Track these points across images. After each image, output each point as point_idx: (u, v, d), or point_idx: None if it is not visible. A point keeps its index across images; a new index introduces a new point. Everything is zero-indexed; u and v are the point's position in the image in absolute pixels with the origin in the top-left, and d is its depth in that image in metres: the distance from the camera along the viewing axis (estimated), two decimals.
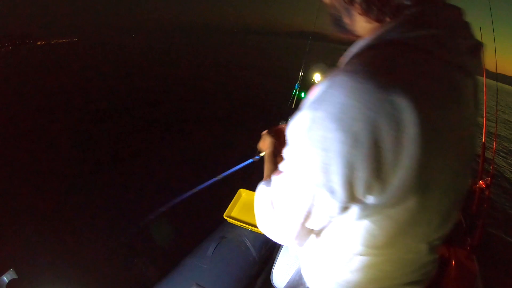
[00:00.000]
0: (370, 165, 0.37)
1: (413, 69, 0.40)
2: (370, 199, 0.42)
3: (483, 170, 1.61)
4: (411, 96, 0.36)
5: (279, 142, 0.90)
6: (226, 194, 1.56)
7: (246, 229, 1.48)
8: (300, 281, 0.77)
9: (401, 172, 0.39)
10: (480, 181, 1.50)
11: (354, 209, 0.45)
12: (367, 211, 0.44)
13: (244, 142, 1.43)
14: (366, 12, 0.46)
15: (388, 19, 0.45)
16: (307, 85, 1.76)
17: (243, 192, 1.61)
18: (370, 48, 0.45)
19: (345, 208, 0.44)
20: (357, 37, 0.53)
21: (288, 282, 0.82)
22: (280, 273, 0.86)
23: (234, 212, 1.57)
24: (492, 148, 1.80)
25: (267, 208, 0.55)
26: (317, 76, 1.88)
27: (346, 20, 0.52)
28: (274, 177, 0.53)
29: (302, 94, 1.71)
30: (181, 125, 6.69)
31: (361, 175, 0.38)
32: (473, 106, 0.49)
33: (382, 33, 0.45)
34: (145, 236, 2.32)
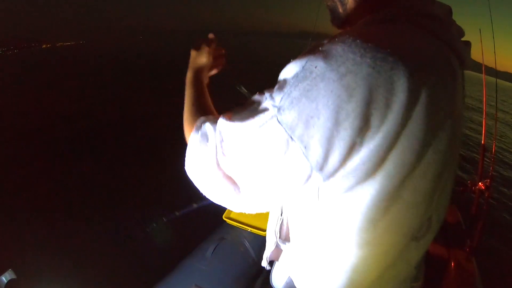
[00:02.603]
0: (355, 123, 0.35)
1: (414, 41, 0.40)
2: (343, 167, 0.38)
3: (482, 172, 1.61)
4: (409, 63, 0.36)
5: (203, 58, 0.75)
6: None
7: (245, 230, 1.48)
8: (291, 280, 0.76)
9: (381, 138, 0.36)
10: (480, 183, 1.50)
11: (325, 185, 0.40)
12: (341, 185, 0.40)
13: None
14: None
15: None
16: None
17: None
18: (370, 23, 0.45)
19: (311, 176, 0.39)
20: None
21: (285, 283, 0.82)
22: (280, 274, 0.85)
23: (233, 213, 1.57)
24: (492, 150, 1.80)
25: (213, 154, 0.45)
26: None
27: (340, 9, 0.53)
28: (229, 119, 0.45)
29: None
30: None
31: (343, 134, 0.35)
32: (463, 97, 0.49)
33: (378, 12, 0.45)
34: (144, 237, 2.31)
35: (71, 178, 4.05)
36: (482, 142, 1.69)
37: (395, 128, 0.36)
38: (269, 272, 0.90)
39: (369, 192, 0.40)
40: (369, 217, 0.43)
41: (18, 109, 8.22)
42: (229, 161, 0.44)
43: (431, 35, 0.43)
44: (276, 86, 0.41)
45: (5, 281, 0.98)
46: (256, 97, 0.44)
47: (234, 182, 0.45)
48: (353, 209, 0.42)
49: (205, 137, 0.48)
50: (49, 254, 2.45)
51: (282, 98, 0.38)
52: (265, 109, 0.40)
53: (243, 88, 0.89)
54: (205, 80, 0.73)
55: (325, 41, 0.39)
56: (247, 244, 1.45)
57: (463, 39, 0.50)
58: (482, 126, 1.76)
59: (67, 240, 2.66)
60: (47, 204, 3.34)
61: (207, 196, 0.50)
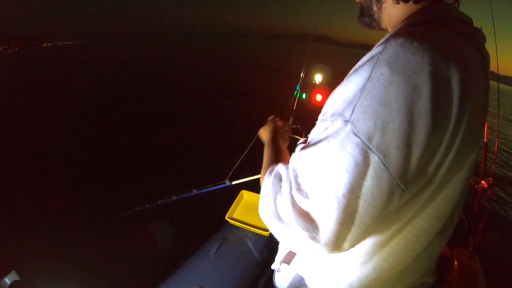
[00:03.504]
0: (428, 120, 0.36)
1: (456, 42, 0.43)
2: (421, 170, 0.39)
3: (485, 170, 1.61)
4: (458, 60, 0.38)
5: (280, 132, 0.80)
6: (228, 196, 1.57)
7: (248, 231, 1.48)
8: (301, 281, 0.76)
9: (448, 133, 0.39)
10: (482, 181, 1.50)
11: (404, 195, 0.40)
12: (414, 189, 0.41)
13: (248, 143, 1.44)
14: None
15: (412, 1, 0.49)
16: (308, 86, 1.76)
17: (245, 194, 1.62)
18: (409, 26, 0.46)
19: (396, 187, 0.38)
20: (382, 30, 0.56)
21: (289, 283, 0.82)
22: (283, 274, 0.85)
23: (236, 213, 1.57)
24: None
25: (287, 192, 0.43)
26: (318, 77, 1.88)
27: (375, 7, 0.55)
28: (300, 153, 0.44)
29: (304, 95, 1.71)
30: (186, 131, 6.65)
31: (419, 133, 0.36)
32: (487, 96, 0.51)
33: (416, 17, 0.48)
34: (147, 237, 2.32)
35: (73, 178, 4.06)
36: (485, 140, 1.68)
37: (456, 121, 0.38)
38: (272, 272, 0.90)
39: (428, 193, 0.43)
40: (416, 211, 0.45)
41: (18, 108, 8.22)
42: (306, 194, 0.41)
43: (464, 37, 0.45)
44: (339, 103, 0.41)
45: (9, 283, 0.98)
46: (319, 126, 0.44)
47: (311, 220, 0.40)
48: (410, 207, 0.44)
49: (278, 177, 0.47)
50: (52, 255, 2.45)
51: (353, 111, 0.38)
52: (336, 128, 0.40)
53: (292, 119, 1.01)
54: (284, 143, 0.77)
55: (378, 48, 0.41)
56: (250, 244, 1.45)
57: None
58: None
59: (71, 242, 2.67)
60: (50, 206, 3.35)
61: (285, 244, 0.47)
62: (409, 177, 0.38)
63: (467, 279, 1.29)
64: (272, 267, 0.84)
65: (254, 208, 1.55)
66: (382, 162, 0.36)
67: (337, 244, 0.40)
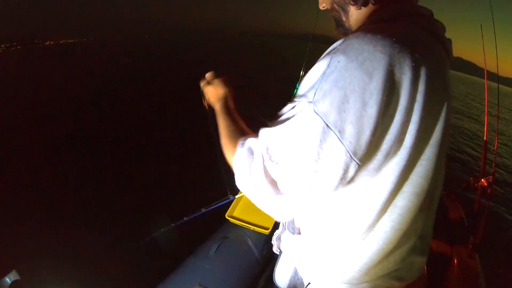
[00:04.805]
0: (378, 99, 0.41)
1: (412, 33, 0.50)
2: (373, 146, 0.44)
3: (485, 168, 1.61)
4: (411, 47, 0.44)
5: (232, 93, 0.78)
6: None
7: (248, 229, 1.48)
8: (296, 276, 0.77)
9: (399, 113, 0.44)
10: (482, 179, 1.50)
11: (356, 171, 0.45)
12: (371, 166, 0.46)
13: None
14: (355, 1, 0.56)
15: (371, 4, 0.55)
16: None
17: None
18: (375, 21, 0.54)
19: (350, 159, 0.43)
20: None
21: (289, 281, 0.83)
22: (283, 272, 0.86)
23: (236, 212, 1.58)
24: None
25: (260, 163, 0.49)
26: None
27: (343, 17, 0.61)
28: (270, 129, 0.50)
29: None
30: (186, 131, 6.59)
31: (370, 111, 0.41)
32: (447, 77, 0.55)
33: (375, 16, 0.55)
34: (147, 236, 2.32)
35: (75, 179, 4.06)
36: (484, 138, 1.68)
37: (408, 100, 0.43)
38: (272, 271, 0.91)
39: (394, 167, 0.47)
40: (393, 191, 0.49)
41: (19, 106, 8.21)
42: (276, 164, 0.48)
43: (423, 30, 0.51)
44: (305, 87, 0.47)
45: (9, 282, 0.98)
46: (287, 106, 0.51)
47: (276, 186, 0.49)
48: (379, 186, 0.49)
49: (250, 150, 0.53)
50: (53, 255, 2.45)
51: (315, 93, 0.44)
52: (301, 108, 0.46)
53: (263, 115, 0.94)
54: (233, 106, 0.76)
55: (339, 41, 0.47)
56: (250, 242, 1.45)
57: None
58: (484, 123, 1.75)
59: (71, 241, 2.67)
60: (51, 206, 3.35)
61: (256, 204, 0.54)
62: (362, 151, 0.43)
63: (467, 277, 1.30)
64: (273, 249, 0.88)
65: (254, 207, 1.55)
66: (337, 137, 0.42)
67: (294, 204, 0.49)
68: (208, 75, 0.80)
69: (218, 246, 1.39)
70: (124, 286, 2.18)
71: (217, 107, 0.75)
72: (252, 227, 1.46)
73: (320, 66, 0.45)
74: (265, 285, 1.39)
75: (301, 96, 0.47)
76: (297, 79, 1.94)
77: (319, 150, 0.43)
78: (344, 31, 0.63)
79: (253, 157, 0.51)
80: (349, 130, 0.41)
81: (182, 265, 1.35)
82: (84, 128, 6.30)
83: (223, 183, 1.29)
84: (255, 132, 0.56)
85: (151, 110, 7.88)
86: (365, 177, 0.48)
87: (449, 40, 0.58)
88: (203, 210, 1.77)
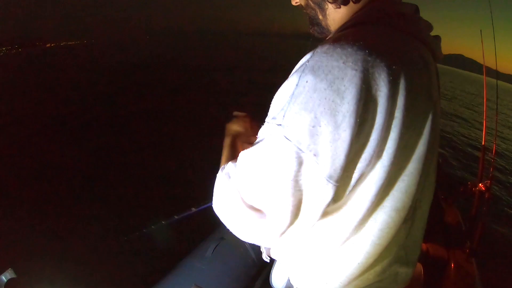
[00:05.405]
0: (352, 122, 0.38)
1: (388, 39, 0.46)
2: (349, 167, 0.42)
3: (482, 173, 1.61)
4: (386, 58, 0.40)
5: (244, 132, 0.79)
6: None
7: None
8: (289, 282, 0.77)
9: (376, 132, 0.41)
10: (480, 184, 1.50)
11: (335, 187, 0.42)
12: (348, 184, 0.44)
13: None
14: None
15: (352, 2, 0.51)
16: None
17: None
18: (345, 28, 0.50)
19: (329, 182, 0.41)
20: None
21: (285, 284, 0.82)
22: (279, 275, 0.86)
23: None
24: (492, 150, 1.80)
25: (236, 193, 0.47)
26: None
27: (320, 16, 0.57)
28: (244, 152, 0.47)
29: None
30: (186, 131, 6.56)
31: (344, 135, 0.38)
32: (438, 86, 0.52)
33: (353, 16, 0.51)
34: (144, 236, 2.31)
35: (72, 177, 4.05)
36: (483, 143, 1.69)
37: (385, 118, 0.40)
38: (269, 273, 0.91)
39: (371, 185, 0.45)
40: (372, 207, 0.47)
41: (20, 108, 8.21)
42: (250, 188, 0.45)
43: (402, 32, 0.48)
44: (275, 109, 0.43)
45: (5, 280, 0.98)
46: (261, 128, 0.47)
47: (258, 210, 0.45)
48: (356, 202, 0.47)
49: (227, 174, 0.51)
50: (49, 253, 2.45)
51: (284, 116, 0.41)
52: (272, 131, 0.42)
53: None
54: (239, 144, 0.76)
55: (307, 56, 0.43)
56: (247, 244, 1.45)
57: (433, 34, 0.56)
58: (482, 128, 1.76)
59: (68, 240, 2.66)
60: (47, 203, 3.34)
61: (236, 234, 0.50)
62: (338, 174, 0.40)
63: (464, 282, 1.30)
64: (263, 257, 0.87)
65: None
66: (313, 160, 0.39)
67: (279, 231, 0.45)
68: (234, 114, 0.84)
69: (215, 247, 1.39)
70: (121, 286, 2.18)
71: (225, 140, 0.76)
72: None
73: (288, 85, 0.42)
74: (261, 286, 1.39)
75: (271, 117, 0.43)
76: None
77: (294, 175, 0.40)
78: (319, 30, 0.60)
79: (229, 180, 0.49)
80: (322, 153, 0.39)
81: (178, 266, 1.35)
82: (82, 129, 6.30)
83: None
84: None
85: (149, 109, 7.88)
86: (341, 194, 0.45)
87: (436, 38, 0.54)
88: (194, 209, 1.75)
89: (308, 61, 0.42)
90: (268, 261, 0.87)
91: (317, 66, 0.40)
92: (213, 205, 0.53)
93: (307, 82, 0.40)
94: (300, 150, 0.39)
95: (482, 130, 1.68)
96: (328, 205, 0.43)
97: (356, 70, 0.38)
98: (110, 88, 10.95)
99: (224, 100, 9.30)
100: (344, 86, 0.38)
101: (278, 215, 0.44)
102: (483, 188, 1.49)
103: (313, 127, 0.39)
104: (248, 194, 0.46)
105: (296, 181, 0.41)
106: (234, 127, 0.80)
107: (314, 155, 0.39)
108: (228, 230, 0.51)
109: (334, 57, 0.39)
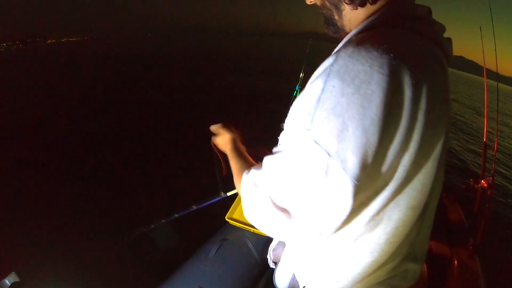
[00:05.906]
0: (380, 126, 0.39)
1: (408, 42, 0.46)
2: (377, 172, 0.43)
3: (484, 169, 1.61)
4: (409, 62, 0.40)
5: (238, 135, 0.83)
6: (227, 196, 1.57)
7: (248, 231, 1.48)
8: (295, 279, 0.77)
9: (401, 135, 0.41)
10: (482, 181, 1.50)
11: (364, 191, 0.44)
12: (374, 186, 0.45)
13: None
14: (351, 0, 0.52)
15: (369, 4, 0.51)
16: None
17: None
18: (365, 30, 0.50)
19: (356, 187, 0.41)
20: (348, 34, 0.57)
21: (288, 283, 0.83)
22: (283, 275, 0.86)
23: (236, 214, 1.57)
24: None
25: (265, 193, 0.49)
26: None
27: (336, 16, 0.57)
28: (270, 158, 0.49)
29: None
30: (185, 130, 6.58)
31: (372, 139, 0.39)
32: (447, 89, 0.52)
33: (371, 19, 0.51)
34: (147, 238, 2.31)
35: (74, 179, 4.05)
36: (484, 140, 1.68)
37: (409, 121, 0.41)
38: (272, 273, 0.91)
39: (390, 184, 0.46)
40: (389, 205, 0.48)
41: (20, 105, 8.20)
42: (281, 192, 0.47)
43: (419, 35, 0.49)
44: (301, 113, 0.44)
45: (9, 284, 0.98)
46: (284, 132, 0.49)
47: (287, 212, 0.47)
48: (374, 201, 0.47)
49: (254, 182, 0.52)
50: (52, 257, 2.45)
51: (312, 121, 0.41)
52: (300, 136, 0.43)
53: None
54: (242, 147, 0.80)
55: (330, 60, 0.43)
56: (250, 244, 1.45)
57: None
58: (483, 125, 1.75)
59: (71, 243, 2.67)
60: (50, 207, 3.34)
61: (268, 234, 0.53)
62: (365, 178, 0.41)
63: (467, 279, 1.29)
64: (268, 260, 0.87)
65: None
66: (340, 166, 0.40)
67: (313, 232, 0.47)
68: (212, 128, 0.86)
69: (218, 248, 1.39)
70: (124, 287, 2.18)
71: (228, 152, 0.78)
72: (252, 229, 1.45)
73: (314, 90, 0.42)
74: (265, 287, 1.39)
75: (298, 122, 0.44)
76: (296, 81, 1.95)
77: (323, 179, 0.41)
78: (335, 30, 0.59)
79: (258, 186, 0.51)
80: (351, 159, 0.39)
81: (181, 267, 1.35)
82: (82, 129, 6.29)
83: (216, 181, 1.27)
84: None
85: (148, 109, 7.87)
86: (364, 195, 0.46)
87: (449, 40, 0.55)
88: (194, 207, 1.74)
89: (332, 65, 0.42)
90: (273, 267, 0.87)
91: (343, 70, 0.40)
92: (245, 214, 0.55)
93: (333, 86, 0.40)
94: (329, 155, 0.40)
95: (483, 130, 1.68)
96: (353, 206, 0.44)
97: (382, 74, 0.38)
98: (109, 85, 10.97)
99: (225, 100, 9.30)
100: (371, 90, 0.38)
101: (308, 216, 0.45)
102: (485, 185, 1.48)
103: (341, 132, 0.39)
104: (280, 197, 0.47)
105: (325, 184, 0.42)
106: (224, 136, 0.82)
107: (342, 160, 0.40)
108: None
109: (360, 61, 0.39)
